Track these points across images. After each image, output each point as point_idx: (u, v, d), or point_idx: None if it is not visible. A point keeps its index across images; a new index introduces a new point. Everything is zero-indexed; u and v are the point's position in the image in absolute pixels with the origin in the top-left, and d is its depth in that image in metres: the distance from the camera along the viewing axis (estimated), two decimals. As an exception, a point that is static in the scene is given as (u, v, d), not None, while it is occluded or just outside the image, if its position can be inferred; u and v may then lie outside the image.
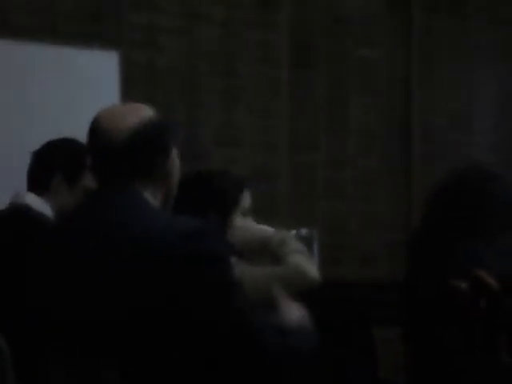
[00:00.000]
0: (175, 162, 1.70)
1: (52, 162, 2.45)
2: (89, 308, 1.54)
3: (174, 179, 1.71)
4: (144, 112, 1.66)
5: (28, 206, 2.38)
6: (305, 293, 2.40)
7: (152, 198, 1.65)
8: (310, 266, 2.30)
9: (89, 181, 2.44)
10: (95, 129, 1.64)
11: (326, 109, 4.78)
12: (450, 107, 5.21)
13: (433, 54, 5.14)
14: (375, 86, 4.96)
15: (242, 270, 2.20)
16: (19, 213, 2.37)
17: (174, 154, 1.69)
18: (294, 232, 2.42)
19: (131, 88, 3.94)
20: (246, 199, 2.41)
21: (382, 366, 3.24)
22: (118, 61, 3.89)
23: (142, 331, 1.50)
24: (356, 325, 3.13)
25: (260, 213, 2.56)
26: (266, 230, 2.40)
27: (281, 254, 2.32)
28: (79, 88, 3.69)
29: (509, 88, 5.40)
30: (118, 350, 1.51)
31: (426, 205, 2.40)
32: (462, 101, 5.25)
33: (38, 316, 1.64)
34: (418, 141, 5.09)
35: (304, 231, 2.45)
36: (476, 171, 2.37)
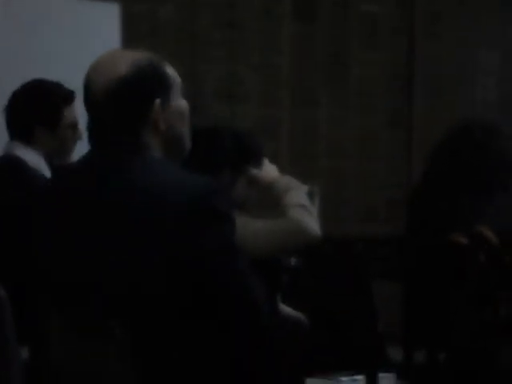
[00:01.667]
0: (167, 112, 1.64)
1: (31, 116, 2.44)
2: (95, 265, 1.55)
3: (168, 126, 1.65)
4: (125, 63, 1.61)
5: (18, 158, 2.38)
6: (305, 248, 2.41)
7: (149, 149, 1.63)
8: (312, 222, 2.30)
9: (72, 116, 2.46)
10: (84, 83, 1.63)
11: (327, 64, 4.75)
12: (453, 63, 5.17)
13: (436, 9, 5.08)
14: (378, 41, 4.92)
15: (243, 222, 2.20)
16: (11, 166, 2.38)
17: (159, 103, 1.62)
18: (305, 186, 2.42)
19: (132, 40, 3.90)
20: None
21: (381, 319, 3.27)
22: (119, 13, 3.85)
23: (147, 288, 1.51)
24: (355, 279, 3.15)
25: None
26: (275, 172, 2.42)
27: (284, 201, 2.32)
28: (80, 40, 3.65)
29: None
30: (123, 305, 1.52)
31: (429, 159, 2.41)
32: (466, 57, 5.21)
33: (42, 270, 1.65)
34: (419, 98, 5.06)
35: (306, 187, 2.44)
36: (480, 127, 2.37)
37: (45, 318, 1.64)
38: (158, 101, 1.62)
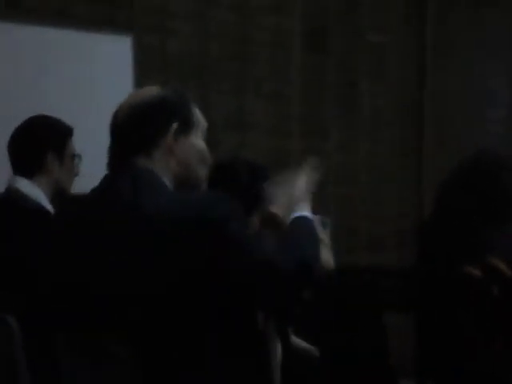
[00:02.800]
0: (181, 140, 1.71)
1: (44, 142, 2.48)
2: (107, 288, 1.56)
3: (183, 157, 1.71)
4: (149, 92, 1.70)
5: (18, 190, 2.41)
6: (317, 278, 2.41)
7: (160, 173, 1.67)
8: (324, 253, 2.30)
9: (73, 148, 2.52)
10: (115, 110, 1.72)
11: (337, 94, 4.78)
12: (462, 94, 5.19)
13: (446, 40, 5.11)
14: (387, 71, 4.95)
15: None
16: (8, 198, 2.41)
17: (175, 130, 1.69)
18: (316, 216, 2.43)
19: (144, 72, 3.94)
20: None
21: (391, 351, 3.25)
22: (131, 45, 3.89)
23: (161, 310, 1.52)
24: (366, 310, 3.14)
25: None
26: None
27: None
28: (93, 73, 3.68)
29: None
30: (136, 328, 1.52)
31: (440, 190, 2.40)
32: (475, 88, 5.23)
33: (50, 296, 1.66)
34: (429, 127, 5.08)
35: (318, 217, 2.45)
36: (491, 158, 2.37)
37: (54, 345, 1.64)
38: (174, 125, 1.69)
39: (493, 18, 5.26)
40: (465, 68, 5.18)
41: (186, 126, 1.72)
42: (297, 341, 2.81)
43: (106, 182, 1.68)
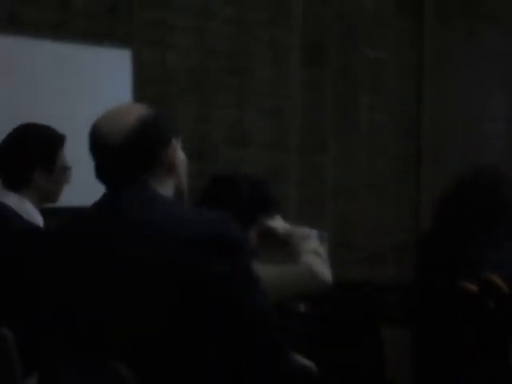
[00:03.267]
0: (177, 154, 1.72)
1: (31, 157, 2.44)
2: (105, 305, 1.55)
3: (180, 170, 1.73)
4: (138, 110, 1.69)
5: (4, 205, 2.38)
6: (316, 293, 2.41)
7: (163, 190, 1.68)
8: (323, 268, 2.30)
9: (64, 160, 2.48)
10: (95, 133, 1.68)
11: (336, 109, 4.79)
12: (460, 107, 5.21)
13: (443, 54, 5.13)
14: (385, 86, 4.97)
15: (255, 268, 2.21)
16: None
17: (174, 145, 1.71)
18: (315, 231, 2.43)
19: (143, 86, 3.96)
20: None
21: (389, 366, 3.24)
22: (131, 59, 3.90)
23: (159, 328, 1.51)
24: (364, 325, 3.14)
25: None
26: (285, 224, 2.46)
27: (300, 249, 2.34)
28: (92, 86, 3.70)
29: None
30: (136, 345, 1.52)
31: (439, 205, 2.41)
32: (473, 101, 5.24)
33: (51, 313, 1.65)
34: (427, 141, 5.09)
35: (316, 232, 2.45)
36: (490, 172, 2.37)
37: (51, 358, 1.64)
38: (174, 140, 1.71)
39: (490, 32, 5.29)
40: (462, 82, 5.20)
41: (177, 139, 1.74)
42: (294, 355, 2.81)
43: (110, 201, 1.65)
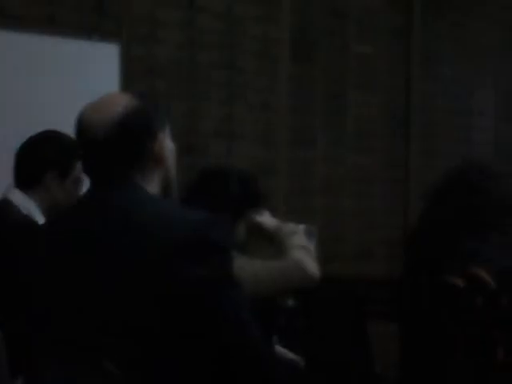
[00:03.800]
0: (165, 145, 1.67)
1: (46, 159, 2.44)
2: (95, 302, 1.54)
3: (168, 162, 1.68)
4: (124, 101, 1.63)
5: (11, 202, 2.38)
6: (303, 288, 2.41)
7: (149, 184, 1.65)
8: (311, 263, 2.30)
9: (79, 171, 2.47)
10: (80, 125, 1.64)
11: (324, 104, 4.79)
12: (450, 105, 5.22)
13: (433, 51, 5.14)
14: (374, 82, 4.97)
15: (242, 263, 2.20)
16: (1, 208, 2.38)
17: (162, 136, 1.66)
18: (302, 226, 2.43)
19: (131, 80, 3.94)
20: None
21: (378, 361, 3.25)
22: (119, 53, 3.88)
23: (143, 325, 1.50)
24: (352, 320, 3.14)
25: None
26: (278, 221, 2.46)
27: (288, 244, 2.34)
28: (80, 81, 3.68)
29: (508, 87, 5.42)
30: (120, 343, 1.51)
31: (426, 201, 2.41)
32: (462, 98, 5.26)
33: (38, 311, 1.64)
34: (416, 138, 5.10)
35: (303, 227, 2.45)
36: (477, 169, 2.37)
37: (38, 358, 1.63)
38: (162, 132, 1.66)
39: (480, 30, 5.30)
40: (451, 79, 5.21)
41: (164, 128, 1.69)
42: (281, 350, 2.81)
43: (97, 196, 1.62)
